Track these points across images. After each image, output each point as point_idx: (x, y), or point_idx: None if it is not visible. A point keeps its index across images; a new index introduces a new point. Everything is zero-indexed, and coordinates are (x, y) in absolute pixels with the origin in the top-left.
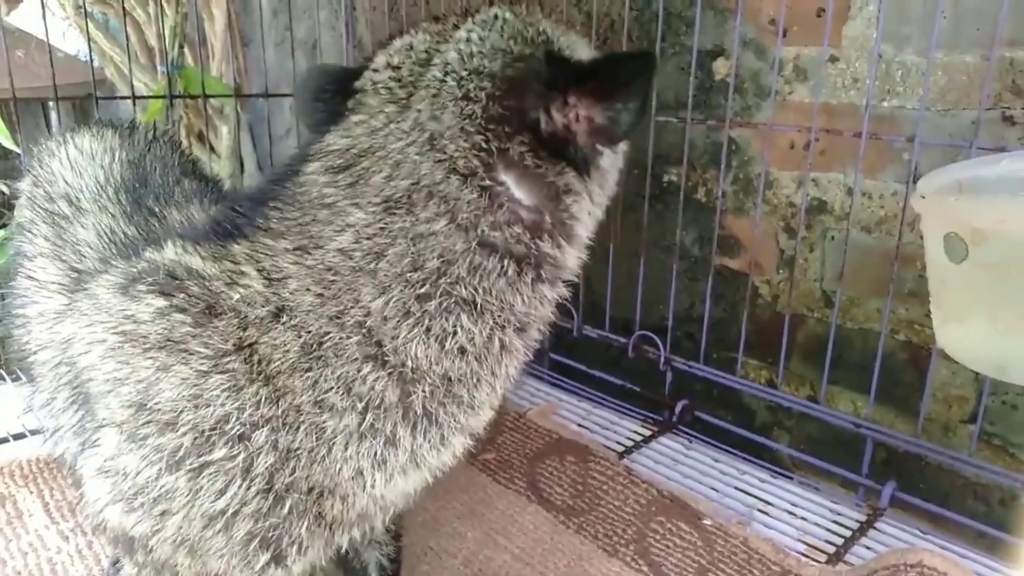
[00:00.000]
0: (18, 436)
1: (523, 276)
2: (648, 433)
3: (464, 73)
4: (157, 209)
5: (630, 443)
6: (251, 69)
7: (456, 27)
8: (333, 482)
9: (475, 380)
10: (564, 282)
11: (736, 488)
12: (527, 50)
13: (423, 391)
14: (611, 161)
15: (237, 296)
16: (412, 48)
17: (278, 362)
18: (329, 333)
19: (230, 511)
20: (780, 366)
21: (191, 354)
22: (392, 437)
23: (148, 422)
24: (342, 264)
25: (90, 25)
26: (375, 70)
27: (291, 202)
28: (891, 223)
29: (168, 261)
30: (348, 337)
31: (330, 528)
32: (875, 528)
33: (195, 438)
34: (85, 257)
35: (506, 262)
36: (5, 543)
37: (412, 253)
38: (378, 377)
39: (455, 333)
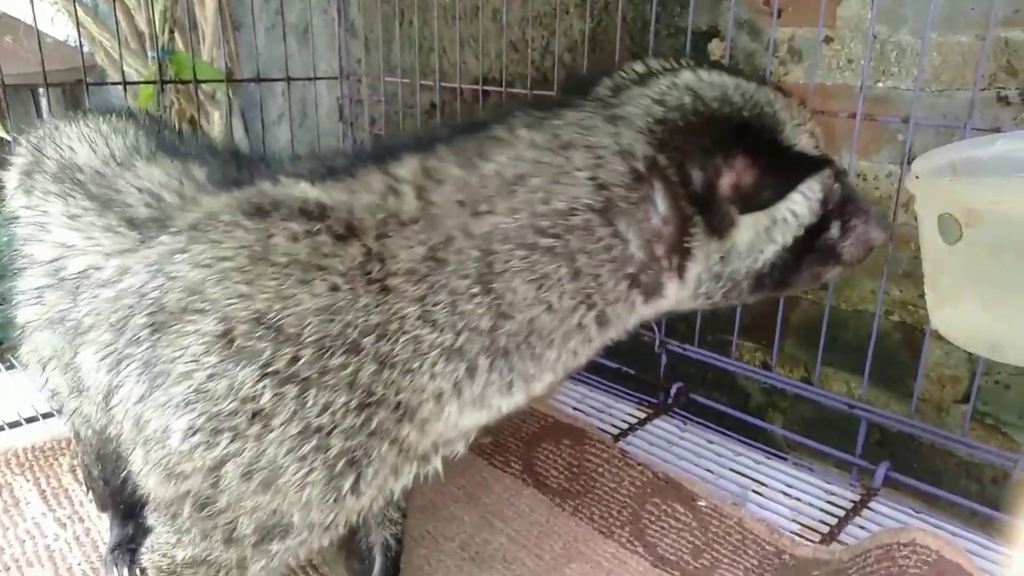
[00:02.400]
0: (13, 424)
1: (625, 266)
2: (643, 416)
3: (664, 99)
4: (208, 159)
5: (625, 426)
6: (242, 54)
7: (685, 67)
8: (418, 400)
9: (549, 339)
10: (652, 313)
11: (731, 469)
12: (724, 108)
13: (508, 329)
14: (748, 242)
15: (377, 209)
16: (638, 69)
17: (399, 265)
18: (455, 239)
19: (327, 427)
20: (774, 348)
21: (327, 270)
22: (473, 365)
23: (265, 337)
24: (492, 178)
25: (79, 10)
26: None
27: (478, 138)
28: (886, 204)
29: (298, 192)
30: (470, 250)
31: (402, 454)
32: (869, 508)
33: (315, 350)
34: (159, 201)
35: (619, 247)
36: (2, 531)
37: (547, 188)
38: (480, 301)
39: (550, 284)
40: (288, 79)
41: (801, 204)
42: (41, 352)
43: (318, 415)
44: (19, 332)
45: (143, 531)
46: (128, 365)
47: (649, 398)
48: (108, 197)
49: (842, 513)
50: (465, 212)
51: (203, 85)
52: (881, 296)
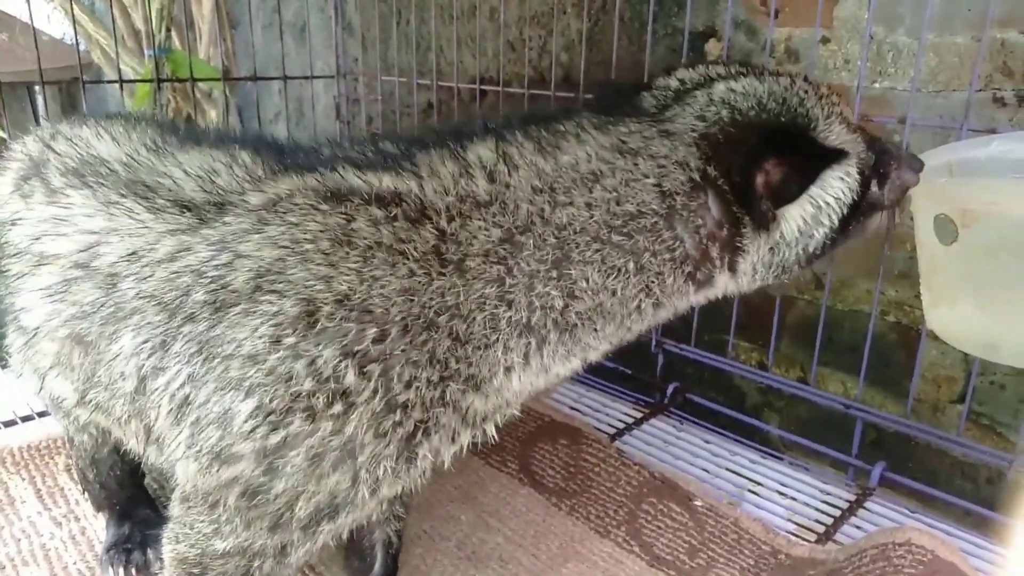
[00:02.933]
0: (9, 423)
1: (683, 265)
2: (639, 415)
3: (705, 115)
4: (248, 145)
5: (621, 425)
6: (239, 52)
7: (718, 79)
8: (490, 373)
9: (612, 318)
10: (703, 300)
11: (727, 469)
12: (759, 116)
13: (578, 309)
14: (796, 231)
15: (450, 191)
16: (673, 86)
17: (475, 247)
18: (534, 225)
19: (408, 402)
20: (771, 348)
21: (408, 255)
22: (542, 339)
23: (349, 318)
24: (568, 172)
25: (75, 8)
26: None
27: (551, 130)
28: None
29: (371, 179)
30: (548, 237)
31: (464, 421)
32: (864, 507)
33: (401, 328)
34: (213, 183)
35: (680, 247)
36: None
37: (620, 190)
38: (556, 285)
39: (619, 274)
40: (285, 78)
41: (840, 187)
42: (41, 361)
43: (402, 391)
44: (24, 338)
45: (140, 529)
46: (179, 345)
47: (646, 398)
48: (150, 182)
49: (838, 513)
50: (542, 199)
51: (200, 83)
52: (877, 296)
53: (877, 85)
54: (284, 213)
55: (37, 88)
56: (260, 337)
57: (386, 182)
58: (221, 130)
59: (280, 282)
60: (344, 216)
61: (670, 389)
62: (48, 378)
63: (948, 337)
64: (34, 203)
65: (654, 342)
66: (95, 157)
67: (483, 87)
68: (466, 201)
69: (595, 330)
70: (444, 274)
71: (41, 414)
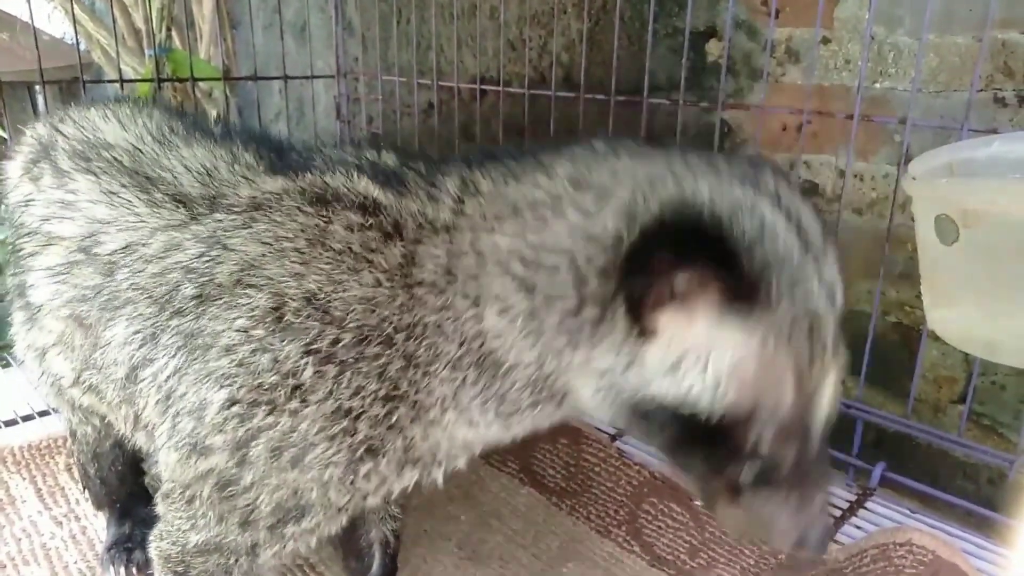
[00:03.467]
0: (10, 423)
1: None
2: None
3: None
4: (250, 143)
5: (615, 431)
6: (240, 52)
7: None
8: (429, 401)
9: (517, 392)
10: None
11: None
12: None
13: (491, 348)
14: (653, 364)
15: (420, 214)
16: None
17: (424, 275)
18: (465, 254)
19: (356, 411)
20: None
21: (375, 265)
22: (464, 380)
23: (313, 316)
24: (504, 201)
25: (76, 7)
26: None
27: (515, 176)
28: (882, 205)
29: (361, 187)
30: (471, 267)
31: (408, 453)
32: (865, 508)
33: (355, 336)
34: (211, 178)
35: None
36: None
37: (533, 263)
38: (474, 319)
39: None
40: (285, 77)
41: (697, 374)
42: (44, 338)
43: (350, 398)
44: (29, 312)
45: (141, 528)
46: (167, 337)
47: None
48: (151, 174)
49: (838, 513)
50: (482, 226)
51: (200, 83)
52: (878, 297)
53: (878, 85)
54: (271, 212)
55: (37, 88)
56: (236, 329)
57: (372, 192)
58: (227, 126)
59: (258, 276)
60: (324, 218)
61: None
62: (49, 355)
63: (949, 337)
64: (44, 185)
65: None
66: (101, 140)
67: (483, 87)
68: (428, 226)
69: (502, 401)
70: (404, 293)
71: (42, 413)
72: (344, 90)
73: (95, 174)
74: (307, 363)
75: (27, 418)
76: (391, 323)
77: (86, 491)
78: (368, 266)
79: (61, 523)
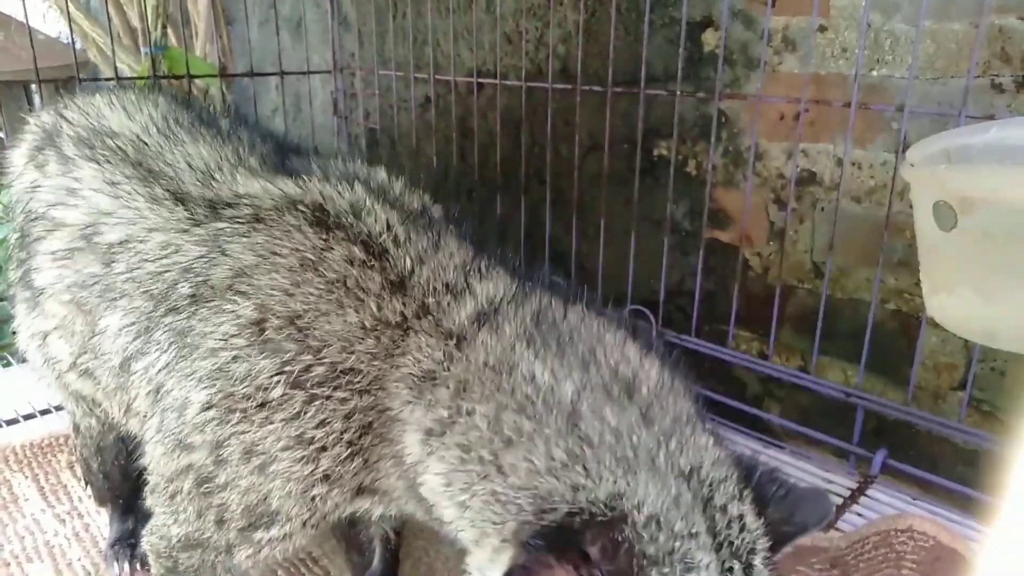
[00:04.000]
0: (11, 422)
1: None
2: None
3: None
4: (256, 143)
5: None
6: (235, 48)
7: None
8: (382, 466)
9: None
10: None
11: None
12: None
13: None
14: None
15: (431, 292)
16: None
17: (402, 370)
18: (460, 397)
19: (319, 443)
20: (771, 337)
21: (364, 307)
22: (399, 478)
23: (293, 337)
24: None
25: (71, 6)
26: None
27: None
28: (881, 193)
29: (368, 223)
30: (455, 415)
31: (361, 489)
32: (866, 495)
33: (328, 372)
34: (212, 180)
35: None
36: (1, 528)
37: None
38: (419, 471)
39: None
40: (282, 73)
41: None
42: (46, 323)
43: (315, 427)
44: (32, 295)
45: (144, 524)
46: (159, 333)
47: None
48: (153, 167)
49: (840, 500)
50: (478, 379)
51: (196, 80)
52: (877, 284)
53: (875, 73)
54: (271, 225)
55: (33, 87)
56: (221, 335)
57: (383, 236)
58: (236, 120)
59: (248, 285)
60: (323, 243)
61: None
62: (50, 339)
63: (948, 324)
64: (50, 172)
65: (654, 333)
66: (106, 128)
67: (480, 80)
68: (432, 318)
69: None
70: (385, 364)
71: (44, 412)
72: (341, 85)
73: (98, 163)
74: (278, 382)
75: (28, 417)
76: (368, 374)
77: (88, 487)
78: (359, 305)
79: (64, 520)
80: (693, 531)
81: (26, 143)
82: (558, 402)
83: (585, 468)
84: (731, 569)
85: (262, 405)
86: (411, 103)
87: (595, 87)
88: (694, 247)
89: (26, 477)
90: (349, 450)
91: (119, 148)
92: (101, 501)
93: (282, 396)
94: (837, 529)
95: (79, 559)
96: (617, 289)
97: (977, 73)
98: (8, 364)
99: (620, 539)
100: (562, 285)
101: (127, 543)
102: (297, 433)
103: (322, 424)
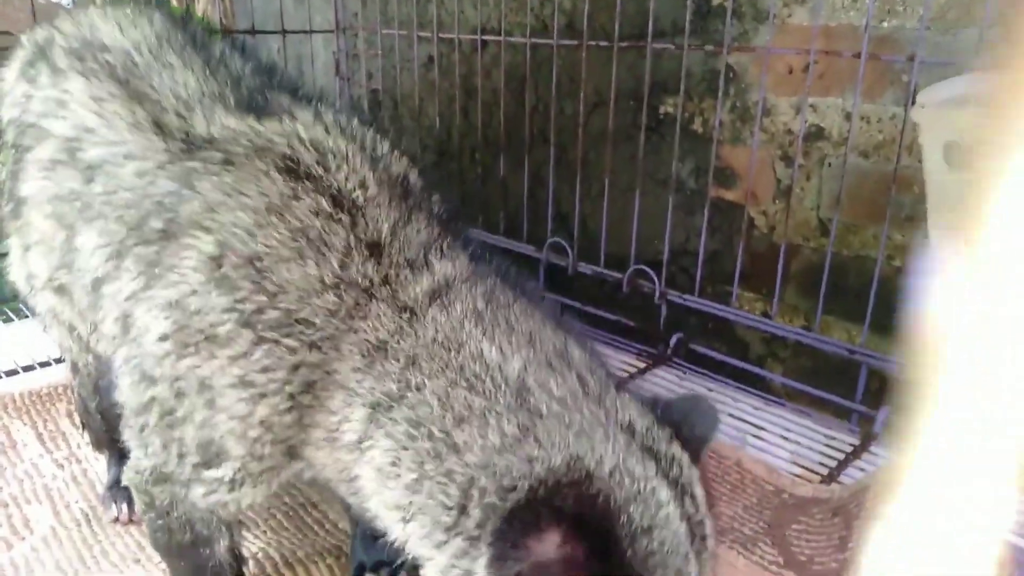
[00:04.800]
0: (11, 373)
1: None
2: (643, 366)
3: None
4: (243, 76)
5: (625, 375)
6: (237, 8)
7: None
8: (315, 435)
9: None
10: None
11: (729, 415)
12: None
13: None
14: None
15: (398, 264)
16: None
17: (366, 334)
18: (406, 371)
19: (261, 390)
20: (775, 296)
21: (326, 261)
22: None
23: (249, 277)
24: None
25: None
26: None
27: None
28: (889, 147)
29: (342, 176)
30: (403, 387)
31: (293, 454)
32: (869, 452)
33: (281, 318)
34: (191, 114)
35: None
36: (0, 471)
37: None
38: (356, 452)
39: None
40: (283, 32)
41: None
42: (28, 236)
43: (260, 371)
44: (16, 205)
45: None
46: (130, 260)
47: (649, 349)
48: (139, 88)
49: (842, 457)
50: (426, 353)
51: None
52: (884, 241)
53: (885, 24)
54: (241, 167)
55: None
56: (184, 269)
57: (356, 192)
58: (228, 47)
59: (212, 221)
60: (291, 191)
61: (674, 340)
62: (31, 252)
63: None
64: (41, 84)
65: (657, 293)
66: (99, 41)
67: (484, 38)
68: (389, 286)
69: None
70: (352, 317)
71: (43, 364)
72: (343, 45)
73: (87, 77)
74: (228, 319)
75: (28, 368)
76: (316, 331)
77: (86, 432)
78: (319, 259)
79: (63, 465)
80: (650, 473)
81: (17, 60)
82: (506, 378)
83: (537, 440)
84: (683, 501)
85: (211, 340)
86: (414, 63)
87: (601, 42)
88: (699, 206)
89: (25, 424)
90: (289, 403)
91: (108, 63)
92: (98, 445)
93: (231, 333)
94: (839, 483)
95: (77, 501)
96: (620, 250)
97: (991, 22)
98: (9, 320)
99: (592, 491)
100: (514, 272)
101: (124, 486)
102: (241, 373)
103: (267, 369)
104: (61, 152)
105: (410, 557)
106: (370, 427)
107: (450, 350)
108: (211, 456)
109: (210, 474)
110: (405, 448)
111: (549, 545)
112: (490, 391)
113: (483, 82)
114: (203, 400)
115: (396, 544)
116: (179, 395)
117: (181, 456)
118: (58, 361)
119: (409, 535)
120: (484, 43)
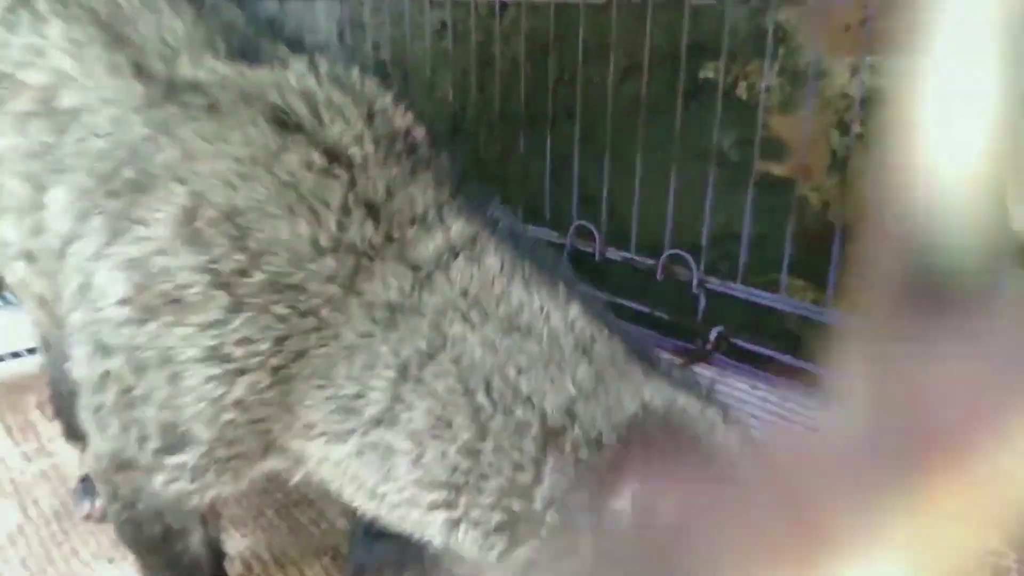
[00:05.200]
0: None
1: None
2: (679, 363)
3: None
4: (236, 25)
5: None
6: None
7: None
8: (300, 398)
9: None
10: None
11: (778, 416)
12: None
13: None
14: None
15: (399, 219)
16: None
17: (367, 297)
18: (415, 332)
19: (240, 364)
20: (829, 283)
21: (319, 222)
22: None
23: (226, 234)
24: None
25: None
26: None
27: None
28: None
29: (337, 129)
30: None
31: (271, 446)
32: None
33: (267, 281)
34: (176, 59)
35: None
36: None
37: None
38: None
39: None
40: None
41: None
42: (5, 199)
43: (236, 343)
44: None
45: None
46: (97, 217)
47: (685, 344)
48: (122, 32)
49: None
50: (457, 305)
51: None
52: None
53: None
54: (226, 114)
55: None
56: (152, 222)
57: (353, 147)
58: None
59: (187, 171)
60: (278, 142)
61: (713, 334)
62: (3, 219)
63: None
64: (21, 31)
65: (696, 281)
66: None
67: (504, 0)
68: (396, 245)
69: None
70: (353, 280)
71: (15, 355)
72: (347, 13)
73: (68, 21)
74: (197, 280)
75: None
76: (310, 297)
77: (57, 419)
78: (313, 218)
79: (31, 459)
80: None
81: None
82: (555, 328)
83: (608, 390)
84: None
85: (178, 303)
86: (425, 30)
87: (633, 0)
88: (743, 182)
89: None
90: (271, 378)
91: (91, 8)
92: (70, 434)
93: (201, 296)
94: None
95: (46, 496)
96: (653, 233)
97: None
98: None
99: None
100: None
101: None
102: (214, 344)
103: (247, 341)
104: (36, 103)
105: (441, 547)
106: (401, 390)
107: (486, 303)
108: (175, 440)
109: (172, 460)
110: (454, 406)
111: (650, 492)
112: (543, 338)
113: (502, 50)
114: (165, 375)
115: (429, 536)
116: (139, 369)
117: (142, 440)
118: (30, 351)
119: (466, 508)
120: (504, 6)
